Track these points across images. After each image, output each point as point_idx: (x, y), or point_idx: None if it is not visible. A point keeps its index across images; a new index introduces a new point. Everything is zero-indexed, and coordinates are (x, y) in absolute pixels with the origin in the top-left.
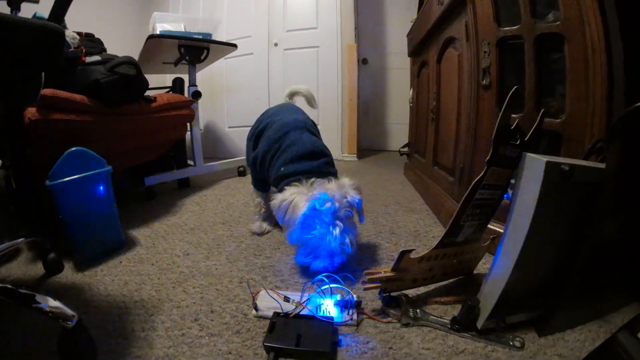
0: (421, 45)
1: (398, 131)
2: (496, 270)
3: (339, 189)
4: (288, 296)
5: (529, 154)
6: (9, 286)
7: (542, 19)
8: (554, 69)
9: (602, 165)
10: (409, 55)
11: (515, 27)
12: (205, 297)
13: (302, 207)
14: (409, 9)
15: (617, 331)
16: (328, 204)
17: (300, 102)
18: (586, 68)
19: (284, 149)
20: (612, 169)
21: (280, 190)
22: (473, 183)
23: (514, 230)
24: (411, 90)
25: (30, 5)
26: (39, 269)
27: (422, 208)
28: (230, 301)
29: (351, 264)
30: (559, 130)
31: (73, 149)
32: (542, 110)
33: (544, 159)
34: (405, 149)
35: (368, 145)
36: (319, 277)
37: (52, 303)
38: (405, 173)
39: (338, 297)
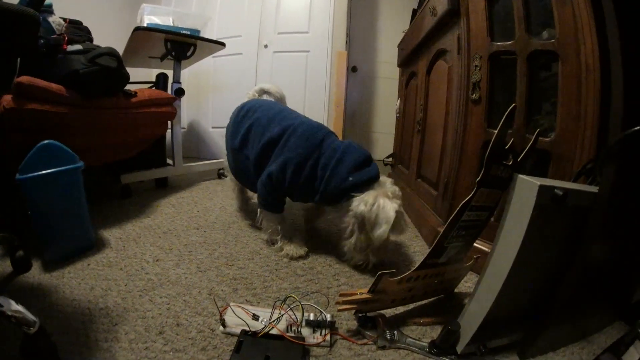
0: (411, 56)
1: (384, 140)
2: (480, 294)
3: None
4: (257, 314)
5: (520, 175)
6: None
7: (537, 36)
8: (545, 87)
9: (595, 189)
10: (399, 65)
11: (509, 42)
12: (172, 308)
13: (390, 207)
14: (402, 19)
15: (601, 353)
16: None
17: None
18: (579, 87)
19: (338, 158)
20: (606, 193)
21: (349, 198)
22: (460, 205)
23: (501, 255)
24: (398, 100)
25: None
26: (7, 265)
27: None
28: (198, 314)
29: (326, 278)
30: (547, 149)
31: (44, 142)
32: (538, 130)
33: (537, 182)
34: (389, 159)
35: None
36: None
37: (14, 307)
38: None
39: (310, 316)
